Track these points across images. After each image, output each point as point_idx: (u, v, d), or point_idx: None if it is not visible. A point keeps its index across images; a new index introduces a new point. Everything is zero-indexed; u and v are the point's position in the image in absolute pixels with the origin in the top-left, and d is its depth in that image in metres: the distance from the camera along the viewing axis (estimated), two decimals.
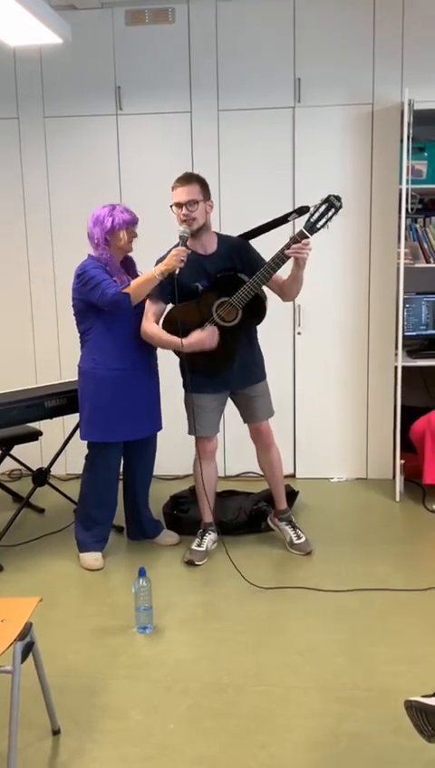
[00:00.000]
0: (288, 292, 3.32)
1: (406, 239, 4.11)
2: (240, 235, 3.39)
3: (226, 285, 3.23)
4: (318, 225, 3.09)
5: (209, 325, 3.24)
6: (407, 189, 3.93)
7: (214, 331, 3.24)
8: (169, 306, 3.33)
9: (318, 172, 4.27)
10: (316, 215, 3.08)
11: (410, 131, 3.85)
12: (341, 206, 3.08)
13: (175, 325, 3.24)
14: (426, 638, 2.76)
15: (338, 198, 3.08)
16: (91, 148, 4.42)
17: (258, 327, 3.39)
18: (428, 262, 4.23)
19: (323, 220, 3.08)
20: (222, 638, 2.82)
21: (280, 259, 3.13)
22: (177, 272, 3.14)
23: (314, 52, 4.18)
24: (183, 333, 3.21)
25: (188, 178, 3.21)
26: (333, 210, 3.07)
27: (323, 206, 3.07)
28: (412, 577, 3.26)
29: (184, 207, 3.18)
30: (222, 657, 2.69)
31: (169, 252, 3.19)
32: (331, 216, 3.08)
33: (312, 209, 3.10)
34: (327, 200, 3.07)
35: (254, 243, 3.38)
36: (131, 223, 3.30)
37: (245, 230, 3.39)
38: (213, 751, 2.19)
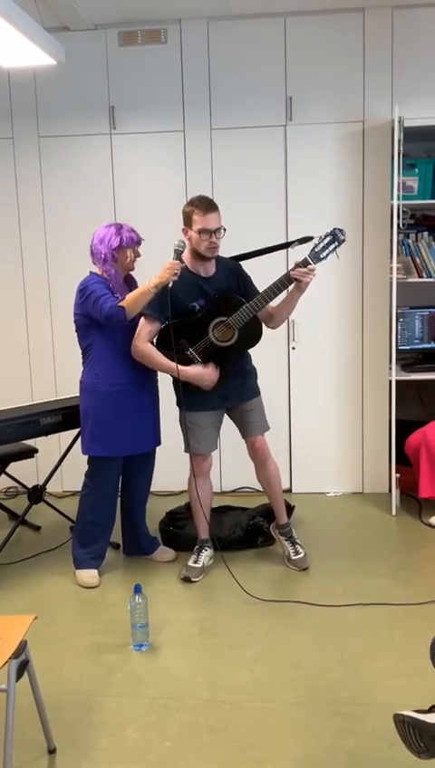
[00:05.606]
0: (278, 316, 3.38)
1: (398, 254, 4.15)
2: (233, 257, 3.42)
3: (224, 306, 3.26)
4: (322, 256, 3.19)
5: (211, 364, 3.27)
6: (398, 205, 3.97)
7: (214, 372, 3.27)
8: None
9: (311, 189, 4.31)
10: (320, 245, 3.18)
11: (401, 148, 3.90)
12: (344, 240, 3.19)
13: (169, 344, 3.24)
14: (423, 652, 2.72)
15: (342, 232, 3.18)
16: (85, 168, 4.46)
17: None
18: (420, 276, 4.27)
19: (326, 252, 3.18)
20: (218, 654, 2.81)
21: (283, 283, 3.19)
22: (170, 284, 3.16)
23: (305, 71, 4.24)
24: (177, 353, 3.23)
25: (215, 205, 3.21)
26: (336, 243, 3.19)
27: (328, 239, 3.18)
28: (409, 591, 3.25)
29: (213, 235, 3.19)
30: (218, 673, 2.69)
31: None
32: (333, 249, 3.19)
33: (316, 240, 3.20)
34: (332, 233, 3.18)
35: (248, 267, 3.42)
36: (137, 242, 3.35)
37: (238, 249, 3.44)
38: (209, 767, 2.19)
